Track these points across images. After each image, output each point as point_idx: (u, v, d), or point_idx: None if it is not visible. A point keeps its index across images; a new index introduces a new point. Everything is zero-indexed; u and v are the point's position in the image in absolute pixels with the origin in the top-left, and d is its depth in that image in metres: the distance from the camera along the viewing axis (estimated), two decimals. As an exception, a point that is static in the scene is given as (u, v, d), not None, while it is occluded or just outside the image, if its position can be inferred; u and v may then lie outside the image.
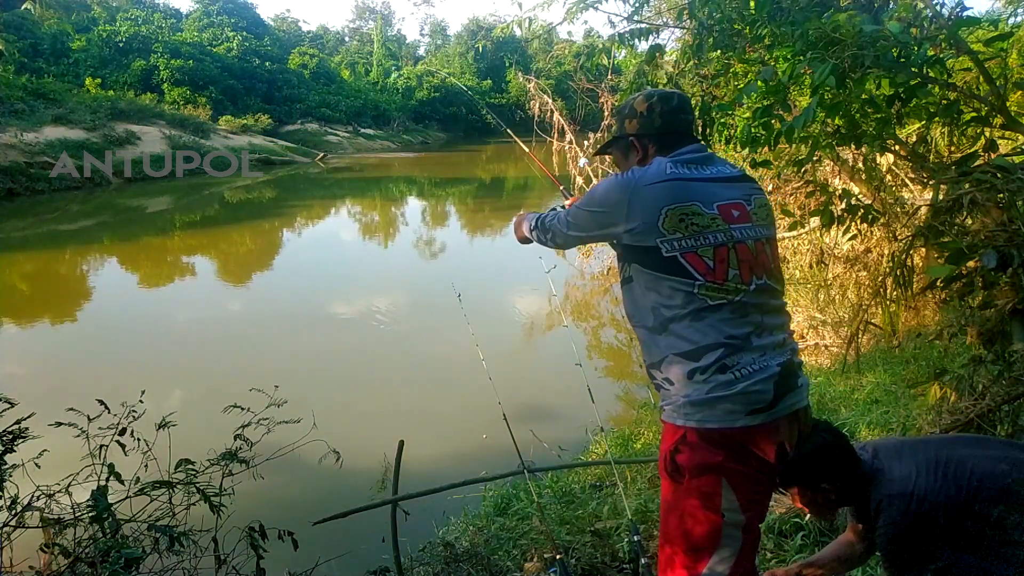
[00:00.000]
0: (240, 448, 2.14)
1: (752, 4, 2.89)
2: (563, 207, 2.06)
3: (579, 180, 10.73)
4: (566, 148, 10.58)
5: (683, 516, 1.56)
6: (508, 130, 3.27)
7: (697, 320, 1.52)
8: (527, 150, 3.13)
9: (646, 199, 1.58)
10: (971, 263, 2.27)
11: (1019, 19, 6.18)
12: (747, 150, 3.14)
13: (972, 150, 2.65)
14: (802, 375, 1.61)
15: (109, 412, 2.00)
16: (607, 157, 2.22)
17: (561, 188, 2.48)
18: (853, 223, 2.99)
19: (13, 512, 1.84)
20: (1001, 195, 2.23)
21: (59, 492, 1.89)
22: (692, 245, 1.54)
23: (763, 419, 1.51)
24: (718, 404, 1.49)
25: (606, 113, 8.84)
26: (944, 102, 2.66)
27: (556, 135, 10.59)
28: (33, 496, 1.86)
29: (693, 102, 3.33)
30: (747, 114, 3.15)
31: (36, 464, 1.89)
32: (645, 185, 1.59)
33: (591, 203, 1.70)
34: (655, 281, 1.57)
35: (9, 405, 1.92)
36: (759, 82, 2.60)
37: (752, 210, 1.64)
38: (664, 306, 1.56)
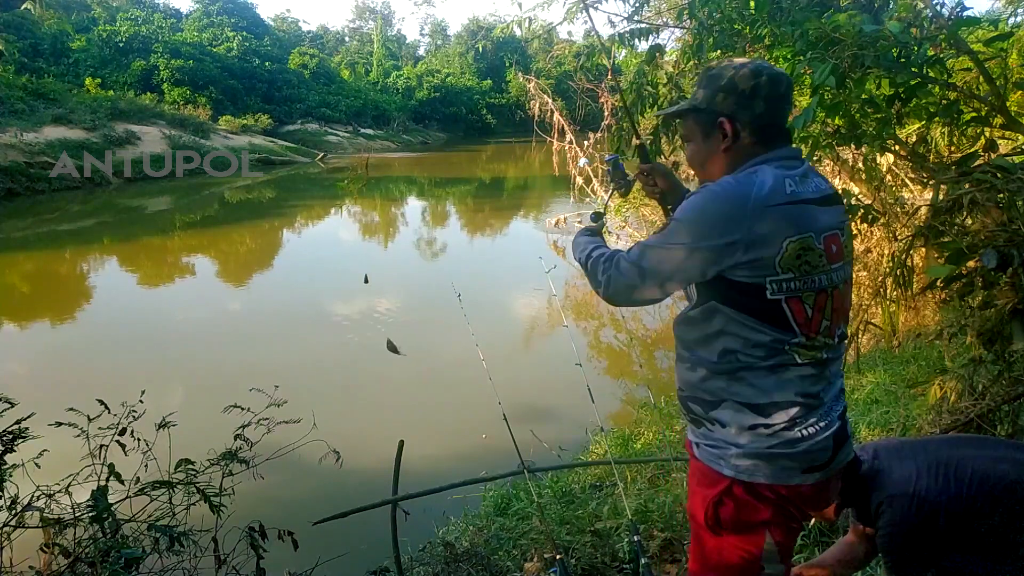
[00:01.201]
0: (240, 448, 2.14)
1: (752, 4, 2.89)
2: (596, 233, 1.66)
3: (579, 180, 10.75)
4: (566, 148, 10.59)
5: (720, 571, 1.45)
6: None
7: (775, 374, 1.32)
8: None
9: (771, 225, 1.27)
10: (971, 263, 2.26)
11: (1019, 19, 6.18)
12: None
13: (972, 150, 2.65)
14: (848, 423, 1.48)
15: (109, 412, 1.99)
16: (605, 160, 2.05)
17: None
18: (853, 223, 2.99)
19: (13, 512, 1.83)
20: (1001, 195, 2.23)
21: (59, 492, 1.88)
22: (799, 288, 1.30)
23: (818, 478, 1.37)
24: (776, 460, 1.34)
25: (606, 113, 8.83)
26: (944, 102, 2.65)
27: (556, 135, 10.60)
28: (33, 496, 1.85)
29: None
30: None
31: (36, 464, 1.89)
32: (769, 205, 1.28)
33: (692, 234, 1.29)
34: (740, 326, 1.32)
35: (9, 405, 1.92)
36: (759, 82, 2.59)
37: (844, 242, 1.38)
38: (742, 353, 1.33)
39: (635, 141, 1.93)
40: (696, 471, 1.46)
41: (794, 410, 1.32)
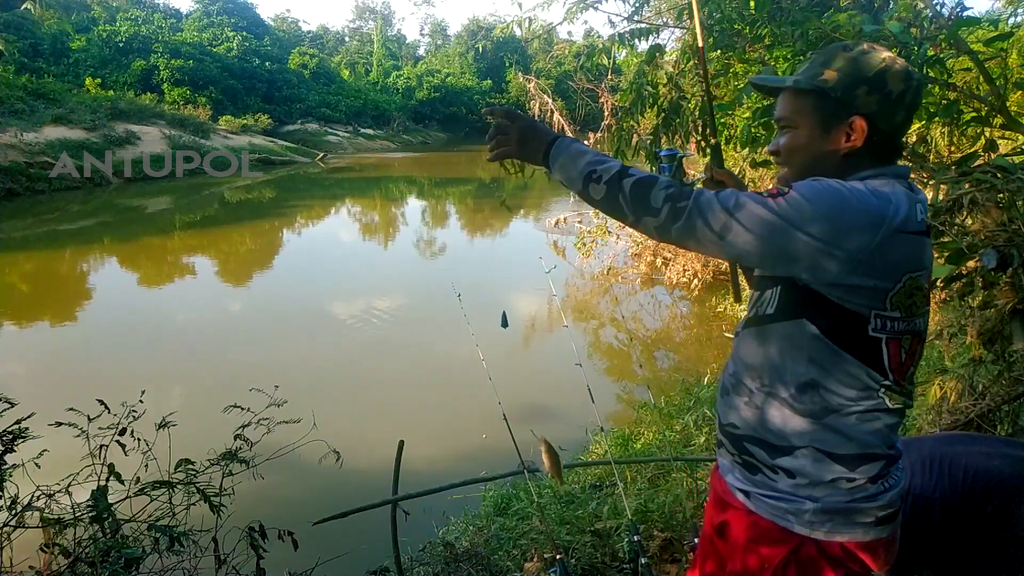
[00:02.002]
0: (240, 448, 2.14)
1: (752, 4, 2.89)
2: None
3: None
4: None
5: None
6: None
7: (866, 422, 1.15)
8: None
9: (898, 252, 1.09)
10: (971, 263, 2.27)
11: (1019, 19, 6.18)
12: (747, 150, 3.13)
13: (972, 150, 2.65)
14: None
15: (109, 412, 2.00)
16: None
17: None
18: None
19: (13, 512, 1.83)
20: (1001, 195, 2.23)
21: (59, 492, 1.88)
22: (902, 330, 1.14)
23: (890, 531, 1.21)
24: (852, 514, 1.17)
25: (606, 113, 8.83)
26: (944, 102, 2.65)
27: (556, 135, 10.58)
28: (33, 496, 1.85)
29: (692, 103, 3.35)
30: (747, 114, 3.15)
31: (36, 464, 1.89)
32: (901, 232, 1.09)
33: (812, 218, 1.05)
34: (832, 358, 1.14)
35: (9, 405, 1.92)
36: (759, 82, 2.60)
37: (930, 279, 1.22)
38: (831, 391, 1.15)
39: (711, 141, 1.58)
40: (748, 525, 1.24)
41: (881, 463, 1.17)
